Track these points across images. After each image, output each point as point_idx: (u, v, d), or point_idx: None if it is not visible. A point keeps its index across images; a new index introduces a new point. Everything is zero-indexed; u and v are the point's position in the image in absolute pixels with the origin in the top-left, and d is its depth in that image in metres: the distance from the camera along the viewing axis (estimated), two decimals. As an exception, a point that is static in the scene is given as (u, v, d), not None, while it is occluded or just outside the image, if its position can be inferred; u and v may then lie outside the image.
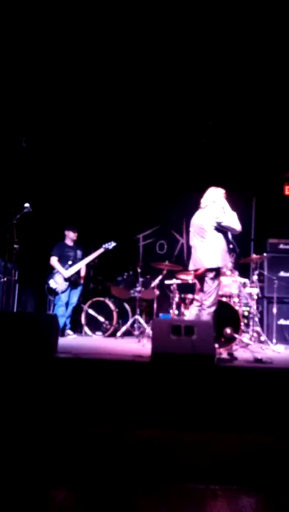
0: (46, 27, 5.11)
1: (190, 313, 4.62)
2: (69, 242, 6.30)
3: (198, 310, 4.51)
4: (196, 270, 4.55)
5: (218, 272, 4.45)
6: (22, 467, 2.49)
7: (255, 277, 5.78)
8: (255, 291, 5.70)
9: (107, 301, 6.34)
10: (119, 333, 6.10)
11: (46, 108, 6.38)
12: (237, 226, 4.44)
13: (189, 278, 6.04)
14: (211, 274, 4.40)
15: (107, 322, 6.25)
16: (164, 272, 6.07)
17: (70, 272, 6.04)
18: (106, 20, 5.04)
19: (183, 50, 5.40)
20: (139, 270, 6.33)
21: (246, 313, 5.86)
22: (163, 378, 3.40)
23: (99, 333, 6.28)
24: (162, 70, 5.76)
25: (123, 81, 5.97)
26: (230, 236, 4.75)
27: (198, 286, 4.65)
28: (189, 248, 7.70)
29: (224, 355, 4.41)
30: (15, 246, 5.34)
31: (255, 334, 5.58)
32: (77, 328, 6.42)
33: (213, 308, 4.44)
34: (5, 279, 5.70)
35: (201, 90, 6.08)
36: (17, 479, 2.34)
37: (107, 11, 4.89)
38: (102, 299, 6.40)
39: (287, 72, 5.61)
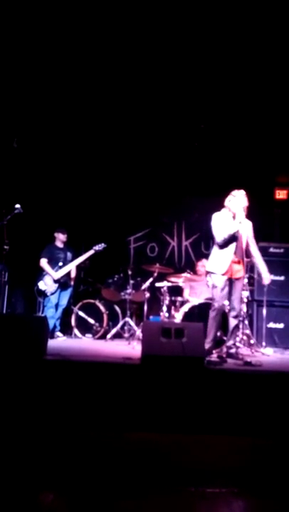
0: (38, 27, 5.10)
1: None
2: (59, 244, 6.28)
3: None
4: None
5: (213, 277, 4.53)
6: (11, 471, 2.47)
7: (245, 280, 5.79)
8: (245, 294, 5.72)
9: (97, 303, 6.32)
10: (109, 336, 6.08)
11: (38, 109, 6.36)
12: (218, 238, 4.50)
13: (180, 281, 6.05)
14: (209, 278, 4.51)
15: (97, 324, 6.23)
16: (155, 274, 6.06)
17: (60, 273, 6.02)
18: (98, 26, 5.04)
19: (175, 55, 5.42)
20: (129, 272, 6.32)
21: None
22: (153, 381, 3.40)
23: (89, 335, 6.25)
24: (155, 73, 5.78)
25: (115, 83, 5.98)
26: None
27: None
28: (180, 251, 7.78)
29: (214, 357, 4.42)
30: (5, 247, 5.31)
31: (244, 337, 5.59)
32: (67, 330, 6.38)
33: (214, 313, 4.51)
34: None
35: (193, 94, 6.10)
36: (6, 483, 2.32)
37: (96, 13, 4.89)
38: (92, 301, 6.38)
39: (279, 77, 5.66)
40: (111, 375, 3.46)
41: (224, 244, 4.49)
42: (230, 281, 4.56)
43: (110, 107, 6.41)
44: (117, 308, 6.67)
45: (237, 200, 4.54)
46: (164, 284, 6.03)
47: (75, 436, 3.05)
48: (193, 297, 5.88)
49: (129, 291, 6.25)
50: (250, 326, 5.88)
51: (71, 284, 6.25)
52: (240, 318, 5.66)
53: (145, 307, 6.12)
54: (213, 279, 4.55)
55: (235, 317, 4.61)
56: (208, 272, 4.64)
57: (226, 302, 4.84)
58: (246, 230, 4.59)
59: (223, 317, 5.20)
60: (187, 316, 5.46)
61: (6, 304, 6.04)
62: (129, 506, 2.16)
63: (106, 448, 2.90)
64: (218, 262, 4.52)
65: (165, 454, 2.84)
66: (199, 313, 5.24)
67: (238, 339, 5.54)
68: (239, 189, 4.61)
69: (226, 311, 5.23)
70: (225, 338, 5.03)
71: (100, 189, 7.60)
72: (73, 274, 6.25)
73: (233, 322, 4.60)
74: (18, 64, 5.60)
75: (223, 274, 4.48)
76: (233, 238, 4.47)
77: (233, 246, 4.50)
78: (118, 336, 6.22)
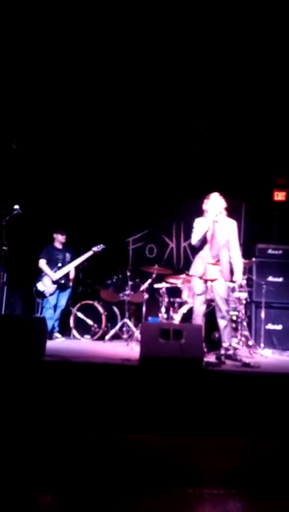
0: (38, 28, 5.10)
1: None
2: (58, 245, 6.28)
3: None
4: None
5: (193, 280, 4.75)
6: (9, 472, 2.47)
7: (243, 282, 5.80)
8: (243, 295, 5.72)
9: (96, 304, 6.32)
10: (107, 337, 6.08)
11: (37, 110, 6.36)
12: (193, 240, 4.73)
13: (178, 282, 6.05)
14: None
15: (95, 325, 6.23)
16: (154, 275, 6.07)
17: (59, 274, 6.02)
18: (98, 27, 5.05)
19: (174, 56, 5.43)
20: (128, 273, 6.31)
21: (234, 318, 5.88)
22: (151, 382, 3.40)
23: (87, 336, 6.25)
24: (154, 75, 5.79)
25: (114, 85, 5.98)
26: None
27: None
28: (179, 252, 7.78)
29: (212, 359, 4.42)
30: (4, 248, 5.29)
31: (243, 339, 5.59)
32: (65, 331, 6.38)
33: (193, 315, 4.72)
34: (-7, 281, 5.66)
35: (192, 96, 6.11)
36: (4, 484, 2.32)
37: (95, 14, 4.89)
38: (91, 302, 6.38)
39: (277, 78, 5.67)
40: (109, 377, 3.46)
41: (200, 246, 4.65)
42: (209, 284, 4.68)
43: (109, 109, 6.42)
44: (115, 309, 6.68)
45: (210, 202, 4.69)
46: (162, 286, 6.03)
47: (73, 438, 3.06)
48: (191, 298, 5.88)
49: (127, 292, 6.25)
50: (248, 328, 5.88)
51: (70, 285, 6.25)
52: (239, 320, 5.68)
53: (144, 308, 6.13)
54: (193, 282, 4.71)
55: (222, 318, 4.64)
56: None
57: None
58: (225, 230, 4.68)
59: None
60: (186, 318, 5.47)
61: (4, 305, 6.04)
62: (127, 507, 2.16)
63: (104, 449, 2.90)
64: (195, 265, 4.67)
65: (163, 455, 2.85)
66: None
67: (236, 340, 5.55)
68: (218, 191, 4.79)
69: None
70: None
71: (99, 190, 7.61)
72: (72, 275, 6.25)
73: (221, 323, 4.63)
74: (17, 65, 5.60)
75: (200, 277, 4.60)
76: (206, 239, 4.59)
77: (207, 248, 4.62)
78: (117, 337, 6.21)
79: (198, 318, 4.63)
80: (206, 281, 4.65)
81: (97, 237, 6.69)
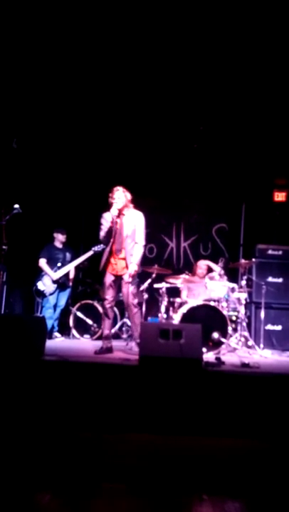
0: (38, 27, 5.10)
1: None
2: (58, 244, 6.28)
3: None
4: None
5: None
6: (7, 471, 2.47)
7: (243, 282, 5.80)
8: (243, 296, 5.72)
9: (95, 303, 6.32)
10: (107, 336, 6.08)
11: (38, 109, 6.36)
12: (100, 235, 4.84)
13: (178, 282, 6.05)
14: None
15: (95, 325, 6.23)
16: (153, 275, 6.06)
17: (59, 274, 6.02)
18: (98, 26, 5.05)
19: (174, 56, 5.43)
20: (128, 273, 6.31)
21: (234, 318, 5.88)
22: (150, 382, 3.40)
23: (87, 335, 6.26)
24: (155, 75, 5.79)
25: (114, 85, 5.99)
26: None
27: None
28: (179, 252, 7.78)
29: (212, 359, 4.42)
30: (3, 247, 5.30)
31: (242, 339, 5.59)
32: (65, 331, 6.38)
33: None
34: (-7, 280, 5.66)
35: (193, 96, 6.11)
36: (2, 482, 2.32)
37: (95, 13, 4.89)
38: (90, 301, 6.38)
39: (277, 80, 5.68)
40: (109, 376, 3.46)
41: (106, 242, 4.74)
42: (119, 279, 4.72)
43: (110, 109, 6.42)
44: (115, 309, 6.66)
45: (115, 196, 4.78)
46: (162, 285, 6.03)
47: (72, 437, 3.06)
48: (191, 298, 5.89)
49: (127, 292, 6.24)
50: (248, 328, 5.88)
51: (69, 285, 6.26)
52: (239, 320, 5.69)
53: (143, 308, 6.12)
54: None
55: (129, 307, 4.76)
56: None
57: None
58: (131, 223, 4.74)
59: (221, 319, 5.21)
60: (185, 318, 5.46)
61: (4, 304, 6.04)
62: (126, 507, 2.16)
63: (103, 448, 2.91)
64: (102, 260, 4.76)
65: (162, 455, 2.84)
66: (197, 314, 5.24)
67: (235, 340, 5.55)
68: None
69: (220, 307, 5.25)
70: (223, 339, 5.04)
71: (99, 190, 7.59)
72: (72, 275, 6.25)
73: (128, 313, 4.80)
74: (18, 64, 5.60)
75: (110, 273, 4.69)
76: (109, 233, 4.67)
77: (111, 243, 4.70)
78: (116, 336, 6.21)
79: (108, 310, 4.78)
80: (115, 276, 4.70)
81: (97, 236, 6.68)
